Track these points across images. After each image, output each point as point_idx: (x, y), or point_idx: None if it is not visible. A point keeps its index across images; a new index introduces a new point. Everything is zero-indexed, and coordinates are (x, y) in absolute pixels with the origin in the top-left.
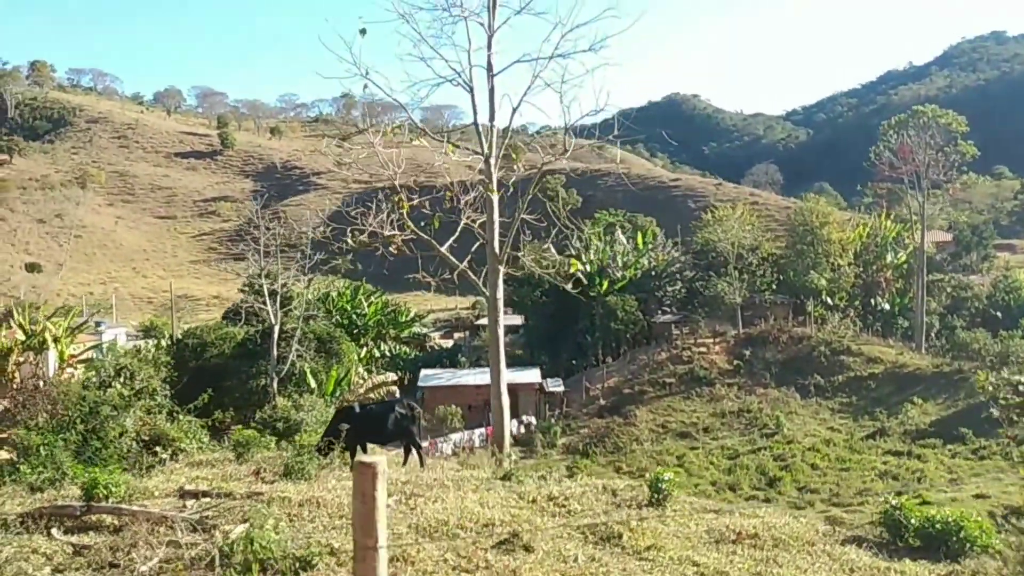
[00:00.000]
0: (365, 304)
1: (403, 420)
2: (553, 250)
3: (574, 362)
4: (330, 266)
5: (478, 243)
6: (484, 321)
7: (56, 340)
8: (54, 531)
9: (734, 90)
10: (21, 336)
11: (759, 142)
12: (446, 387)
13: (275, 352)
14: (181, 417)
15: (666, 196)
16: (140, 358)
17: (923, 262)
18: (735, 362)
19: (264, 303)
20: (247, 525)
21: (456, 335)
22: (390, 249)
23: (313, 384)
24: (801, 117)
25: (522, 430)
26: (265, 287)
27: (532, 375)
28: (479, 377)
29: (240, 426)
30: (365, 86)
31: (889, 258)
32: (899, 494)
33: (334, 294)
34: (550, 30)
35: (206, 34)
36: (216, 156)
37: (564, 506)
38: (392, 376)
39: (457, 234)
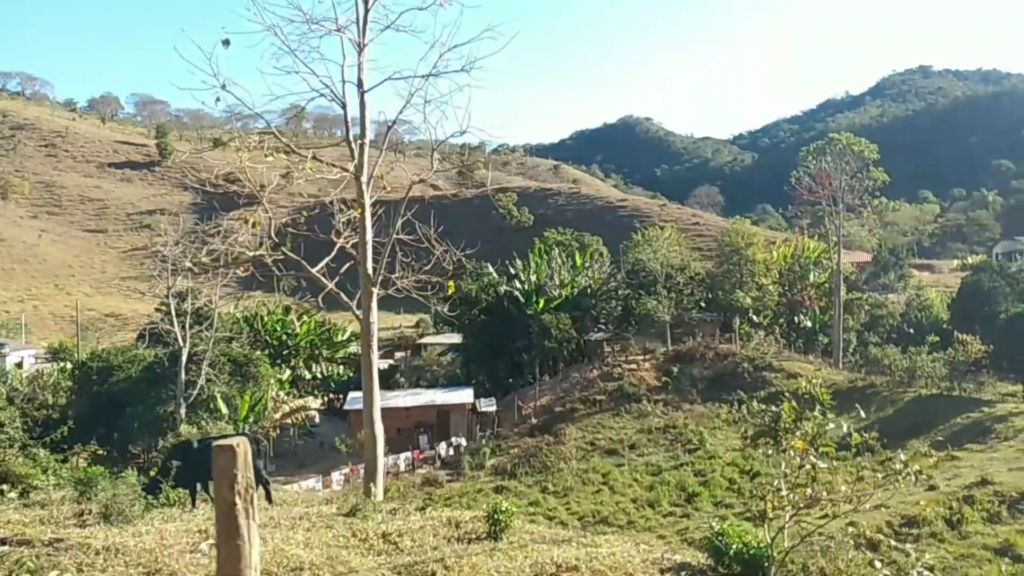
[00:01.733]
0: (297, 324)
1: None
2: (491, 269)
3: (511, 380)
4: (278, 285)
5: (350, 263)
6: (427, 340)
7: None
8: None
9: (685, 113)
10: None
11: (707, 165)
12: None
13: (183, 376)
14: (39, 451)
15: (613, 216)
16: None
17: (839, 281)
18: (663, 379)
19: (173, 324)
20: None
21: (397, 355)
22: (238, 270)
23: (225, 409)
24: (747, 141)
25: (451, 452)
26: (172, 307)
27: (465, 395)
28: (410, 399)
29: (86, 462)
30: (217, 99)
31: (812, 277)
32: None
33: (263, 314)
34: (427, 50)
35: (147, 40)
36: (154, 167)
37: (395, 543)
38: (313, 400)
39: (334, 254)
